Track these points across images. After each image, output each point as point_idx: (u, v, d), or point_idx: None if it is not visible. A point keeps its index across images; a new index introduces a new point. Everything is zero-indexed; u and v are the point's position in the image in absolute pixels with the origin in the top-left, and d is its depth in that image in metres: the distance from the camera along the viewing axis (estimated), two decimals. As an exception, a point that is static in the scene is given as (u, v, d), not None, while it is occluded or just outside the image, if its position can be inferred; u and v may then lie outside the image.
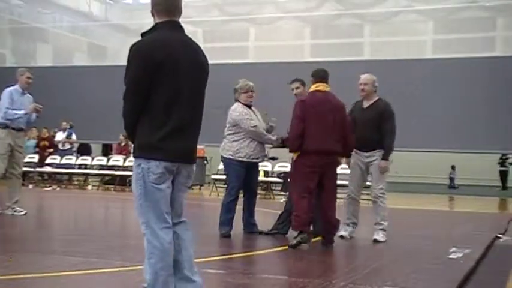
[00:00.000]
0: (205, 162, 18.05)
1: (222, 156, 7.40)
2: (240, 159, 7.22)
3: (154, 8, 3.47)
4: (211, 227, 7.41)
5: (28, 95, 8.82)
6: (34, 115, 8.85)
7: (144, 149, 3.36)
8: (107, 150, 20.76)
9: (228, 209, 7.21)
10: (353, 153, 7.19)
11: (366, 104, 7.32)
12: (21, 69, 9.00)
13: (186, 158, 3.45)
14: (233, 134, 7.30)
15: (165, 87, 3.33)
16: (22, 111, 8.58)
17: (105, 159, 17.90)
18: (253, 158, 7.28)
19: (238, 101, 7.40)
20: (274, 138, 7.44)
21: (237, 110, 7.32)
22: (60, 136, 18.37)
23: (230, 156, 7.26)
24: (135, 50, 3.36)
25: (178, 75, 3.37)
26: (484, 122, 13.58)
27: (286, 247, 6.40)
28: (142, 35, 3.46)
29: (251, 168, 7.37)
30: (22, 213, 8.60)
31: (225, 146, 7.35)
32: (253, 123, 7.23)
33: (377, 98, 7.32)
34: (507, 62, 14.25)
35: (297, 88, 7.33)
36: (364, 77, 7.33)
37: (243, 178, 7.27)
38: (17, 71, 8.91)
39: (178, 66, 3.37)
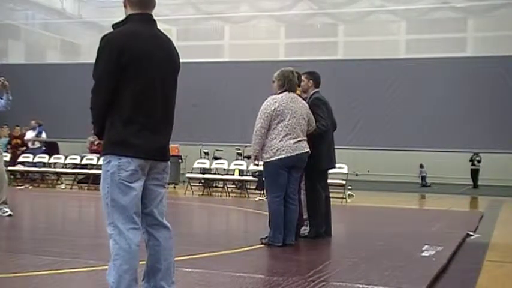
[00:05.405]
0: (180, 160, 17.99)
1: (305, 157, 6.55)
2: None
3: None
4: (186, 226, 7.39)
5: None
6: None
7: (114, 145, 3.21)
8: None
9: None
10: None
11: None
12: None
13: (158, 155, 3.32)
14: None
15: (136, 81, 3.21)
16: None
17: (78, 157, 17.72)
18: None
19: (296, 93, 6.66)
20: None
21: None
22: (29, 135, 18.10)
23: None
24: (106, 41, 3.24)
25: (150, 68, 3.25)
26: (455, 121, 13.75)
27: (262, 245, 6.43)
28: (114, 26, 3.34)
29: None
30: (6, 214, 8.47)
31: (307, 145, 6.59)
32: None
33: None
34: (477, 62, 14.45)
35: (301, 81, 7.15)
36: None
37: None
38: None
39: (151, 59, 3.26)
